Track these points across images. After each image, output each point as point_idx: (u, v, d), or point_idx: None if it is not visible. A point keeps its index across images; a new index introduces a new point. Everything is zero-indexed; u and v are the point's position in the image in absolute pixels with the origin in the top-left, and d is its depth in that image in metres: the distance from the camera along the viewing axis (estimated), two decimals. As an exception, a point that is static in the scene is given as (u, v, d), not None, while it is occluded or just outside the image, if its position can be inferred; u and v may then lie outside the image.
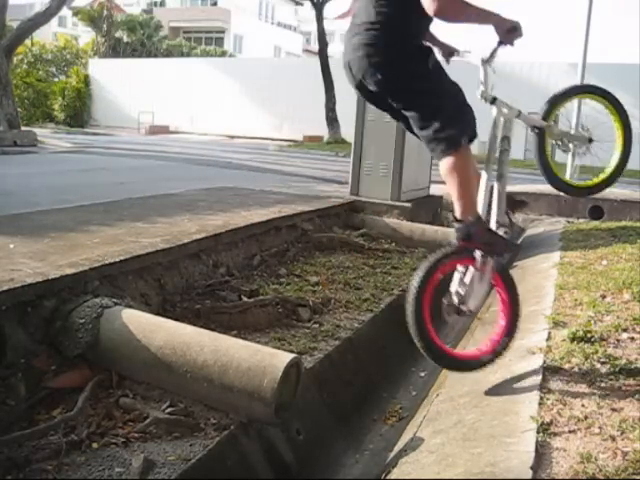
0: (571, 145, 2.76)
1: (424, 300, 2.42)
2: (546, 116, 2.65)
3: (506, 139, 2.54)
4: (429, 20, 2.48)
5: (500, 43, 2.44)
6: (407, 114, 2.53)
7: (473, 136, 2.48)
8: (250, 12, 38.78)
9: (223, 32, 37.48)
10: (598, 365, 2.56)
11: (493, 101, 2.50)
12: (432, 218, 6.39)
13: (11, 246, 3.21)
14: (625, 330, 2.96)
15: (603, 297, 3.54)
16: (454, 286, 2.57)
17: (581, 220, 7.12)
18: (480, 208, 2.52)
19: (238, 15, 37.14)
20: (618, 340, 2.85)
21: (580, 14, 8.57)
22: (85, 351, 2.48)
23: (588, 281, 3.91)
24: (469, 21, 2.35)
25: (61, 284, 2.63)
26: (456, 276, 2.57)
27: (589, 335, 2.85)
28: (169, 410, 2.26)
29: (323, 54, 19.26)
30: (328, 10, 22.15)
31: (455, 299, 2.54)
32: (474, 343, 2.58)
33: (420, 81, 2.45)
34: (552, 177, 2.70)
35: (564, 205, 7.46)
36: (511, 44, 2.42)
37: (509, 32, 2.38)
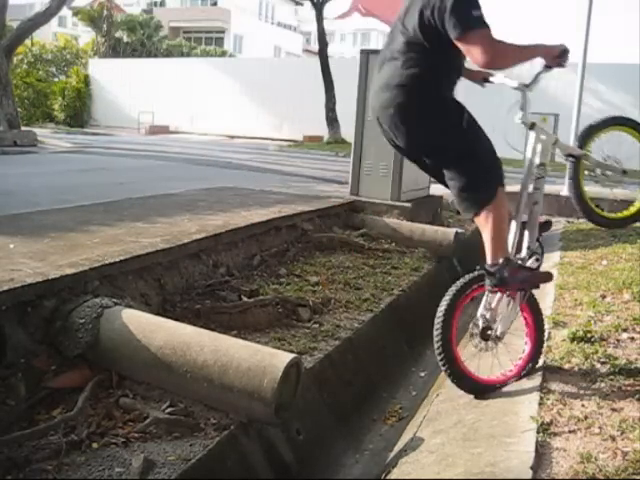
0: (604, 176, 2.73)
1: (452, 326, 2.45)
2: (582, 145, 2.61)
3: (543, 166, 2.52)
4: (461, 71, 2.46)
5: (547, 67, 2.41)
6: (437, 167, 2.53)
7: (503, 181, 2.44)
8: (250, 12, 38.77)
9: (223, 32, 37.46)
10: (598, 365, 2.56)
11: (532, 127, 2.48)
12: (432, 218, 6.39)
13: (11, 246, 3.21)
14: (625, 330, 2.97)
15: (603, 297, 3.54)
16: (480, 310, 2.56)
17: (581, 220, 7.11)
18: (511, 238, 2.50)
19: (238, 15, 37.12)
20: (618, 340, 2.85)
21: (580, 14, 8.57)
22: (85, 351, 2.48)
23: (588, 281, 3.92)
24: (519, 63, 2.33)
25: (61, 284, 2.63)
26: (483, 300, 2.56)
27: (589, 335, 2.85)
28: (169, 410, 2.26)
29: (323, 54, 19.23)
30: (328, 10, 22.15)
31: (481, 323, 2.54)
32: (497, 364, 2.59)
33: (453, 140, 2.42)
34: (585, 207, 2.66)
35: (564, 205, 7.46)
36: (561, 66, 2.40)
37: (557, 57, 2.37)
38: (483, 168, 2.40)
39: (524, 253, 2.54)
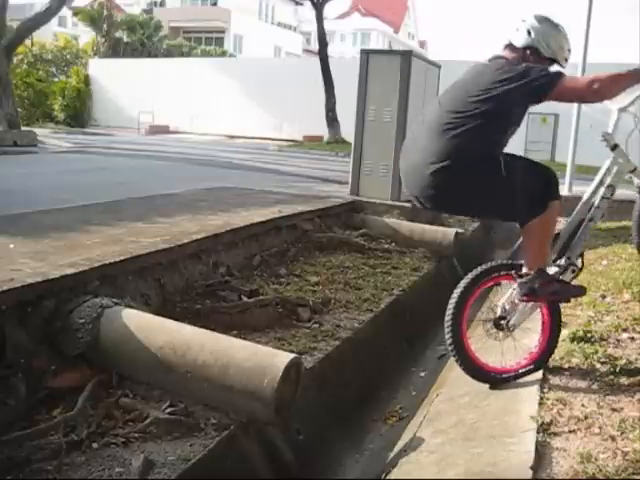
0: None
1: (463, 314, 2.48)
2: None
3: (611, 188, 2.52)
4: (515, 130, 2.49)
5: None
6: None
7: (557, 194, 2.44)
8: (250, 12, 38.73)
9: (223, 32, 37.42)
10: (598, 365, 2.56)
11: (614, 148, 2.49)
12: (432, 218, 6.39)
13: (11, 246, 3.21)
14: (625, 330, 2.97)
15: (603, 297, 3.54)
16: (502, 300, 2.58)
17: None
18: (557, 247, 2.52)
19: (238, 15, 37.08)
20: (618, 340, 2.85)
21: (580, 14, 8.57)
22: (85, 351, 2.48)
23: (588, 281, 3.91)
24: (622, 90, 2.37)
25: (61, 284, 2.63)
26: (509, 292, 2.57)
27: (589, 335, 2.85)
28: (169, 410, 2.26)
29: (323, 54, 19.22)
30: (328, 10, 22.14)
31: (499, 311, 2.56)
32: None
33: (499, 196, 2.41)
34: None
35: (564, 205, 7.45)
36: None
37: None
38: (532, 196, 2.37)
39: (563, 261, 2.55)
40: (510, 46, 2.51)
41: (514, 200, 2.36)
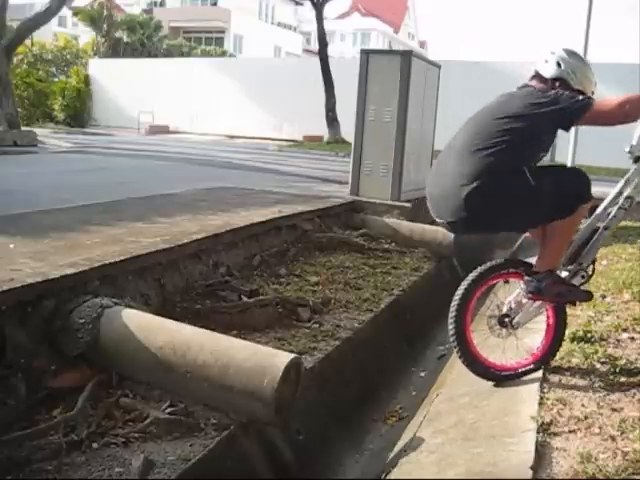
0: None
1: (468, 307, 2.50)
2: None
3: (630, 199, 2.53)
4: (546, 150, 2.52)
5: None
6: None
7: (588, 197, 2.45)
8: (250, 12, 38.74)
9: (223, 32, 37.44)
10: (598, 365, 2.56)
11: (637, 160, 2.50)
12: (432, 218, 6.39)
13: (11, 246, 3.21)
14: (625, 330, 2.97)
15: (603, 297, 3.55)
16: (510, 297, 2.60)
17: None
18: (569, 252, 2.54)
19: (238, 15, 37.08)
20: (618, 340, 2.85)
21: (580, 14, 8.58)
22: (85, 351, 2.48)
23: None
24: None
25: (61, 284, 2.63)
26: (516, 291, 2.59)
27: (589, 335, 2.85)
28: (169, 410, 2.26)
29: (323, 54, 19.22)
30: (328, 10, 22.13)
31: (505, 309, 2.59)
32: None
33: (532, 205, 2.42)
34: None
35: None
36: None
37: None
38: (563, 199, 2.39)
39: (574, 267, 2.56)
40: (538, 76, 2.55)
41: (545, 205, 2.39)
